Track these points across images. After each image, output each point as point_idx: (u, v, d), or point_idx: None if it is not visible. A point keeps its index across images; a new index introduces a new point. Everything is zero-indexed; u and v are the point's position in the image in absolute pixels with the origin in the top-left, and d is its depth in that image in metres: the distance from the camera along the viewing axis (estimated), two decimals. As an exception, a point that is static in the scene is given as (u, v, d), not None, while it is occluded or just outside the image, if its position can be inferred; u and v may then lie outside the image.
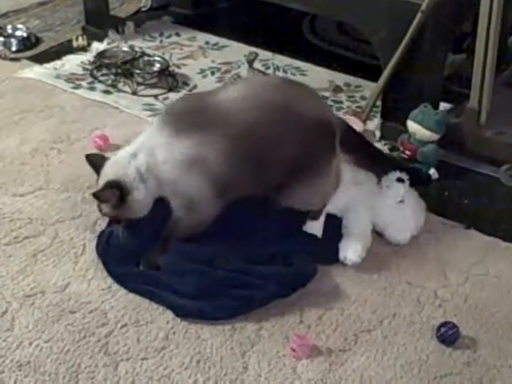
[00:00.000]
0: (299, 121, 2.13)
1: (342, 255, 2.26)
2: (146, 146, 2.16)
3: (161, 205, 2.23)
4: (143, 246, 2.23)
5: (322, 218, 2.33)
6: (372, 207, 2.35)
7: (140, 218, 2.25)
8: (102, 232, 2.33)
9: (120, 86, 3.21)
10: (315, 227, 2.32)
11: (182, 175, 2.13)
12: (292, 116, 2.13)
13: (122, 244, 2.23)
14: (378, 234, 2.37)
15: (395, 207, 2.36)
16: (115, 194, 2.16)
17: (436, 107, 2.74)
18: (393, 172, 2.43)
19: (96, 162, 2.28)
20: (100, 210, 2.28)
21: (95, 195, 2.19)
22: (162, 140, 2.13)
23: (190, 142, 2.10)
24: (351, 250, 2.25)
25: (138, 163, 2.17)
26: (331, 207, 2.35)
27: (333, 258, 2.27)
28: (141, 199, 2.19)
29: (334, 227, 2.34)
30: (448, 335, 2.01)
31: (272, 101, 2.14)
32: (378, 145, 2.80)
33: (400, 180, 2.40)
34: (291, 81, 2.29)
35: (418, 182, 2.50)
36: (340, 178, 2.30)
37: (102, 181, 2.21)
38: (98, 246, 2.28)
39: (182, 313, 2.08)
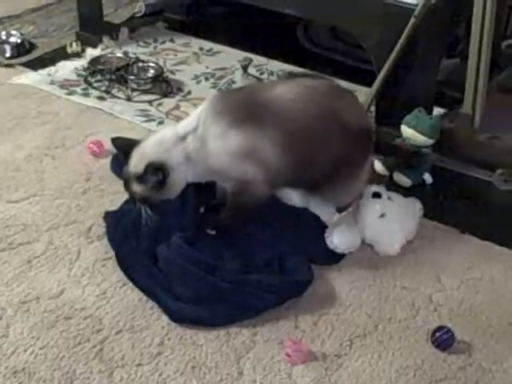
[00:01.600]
0: (344, 127, 2.22)
1: (328, 239, 2.28)
2: (198, 132, 2.16)
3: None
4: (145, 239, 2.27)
5: (348, 213, 2.39)
6: (357, 223, 2.36)
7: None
8: (110, 213, 2.38)
9: (114, 91, 3.21)
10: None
11: (234, 164, 2.16)
12: (339, 121, 2.22)
13: (149, 224, 2.24)
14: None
15: (377, 223, 2.34)
16: (159, 177, 2.15)
17: (430, 112, 2.75)
18: (368, 188, 2.43)
19: (121, 144, 2.28)
20: (128, 190, 2.23)
21: (139, 178, 2.17)
22: (217, 130, 2.14)
23: (244, 135, 2.13)
24: (336, 233, 2.27)
25: (187, 146, 2.16)
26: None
27: (328, 258, 2.28)
28: (179, 181, 2.20)
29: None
30: (443, 339, 2.01)
31: (323, 105, 2.22)
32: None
33: (376, 195, 2.40)
34: (339, 87, 2.35)
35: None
36: (368, 178, 2.40)
37: (142, 161, 2.17)
38: (108, 228, 2.34)
39: (178, 318, 2.08)
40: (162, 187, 2.17)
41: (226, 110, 2.16)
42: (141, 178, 2.17)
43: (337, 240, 2.27)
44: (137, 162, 2.19)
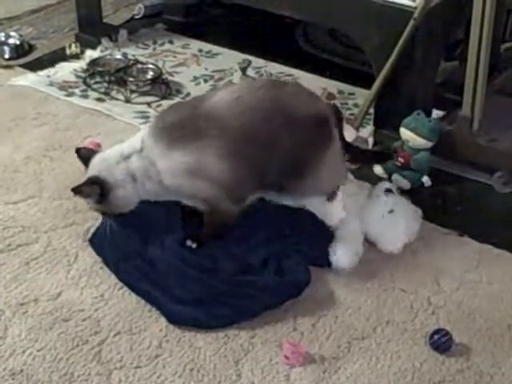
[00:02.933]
0: (290, 117, 2.18)
1: (332, 257, 2.27)
2: (144, 153, 2.17)
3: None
4: (134, 238, 2.27)
5: (340, 198, 2.37)
6: (363, 218, 2.36)
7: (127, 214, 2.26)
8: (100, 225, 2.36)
9: (113, 93, 3.21)
10: (335, 208, 2.36)
11: (186, 182, 2.16)
12: (282, 113, 2.17)
13: (114, 236, 2.26)
14: (370, 243, 2.37)
15: (385, 217, 2.36)
16: (95, 190, 2.18)
17: (428, 114, 2.74)
18: (381, 183, 2.48)
19: (85, 156, 2.30)
20: (88, 204, 2.30)
21: (75, 190, 2.21)
22: (158, 151, 2.14)
23: (186, 152, 2.12)
24: (341, 254, 2.26)
25: (131, 165, 2.18)
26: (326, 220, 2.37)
27: (326, 259, 2.28)
28: (125, 197, 2.21)
29: (329, 229, 2.36)
30: (441, 342, 2.01)
31: (261, 101, 2.18)
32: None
33: (388, 190, 2.43)
34: (276, 80, 2.34)
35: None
36: (344, 159, 2.38)
37: (87, 175, 2.23)
38: (93, 238, 2.33)
39: (176, 320, 2.08)
40: (105, 202, 2.21)
41: (165, 128, 2.16)
42: (80, 190, 2.21)
43: (342, 261, 2.25)
44: (86, 176, 2.24)
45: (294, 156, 2.18)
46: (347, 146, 2.43)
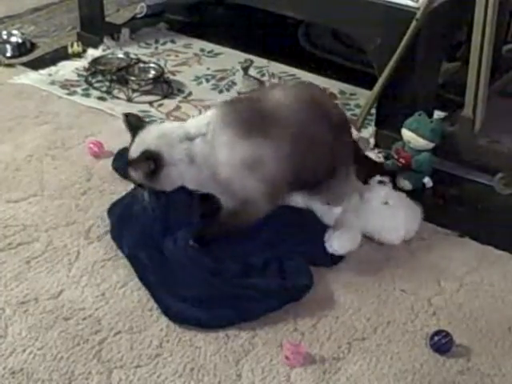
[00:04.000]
0: (332, 122, 2.27)
1: (327, 243, 2.28)
2: (208, 138, 2.16)
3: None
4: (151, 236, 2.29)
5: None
6: (359, 214, 2.36)
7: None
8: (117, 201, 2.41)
9: (115, 92, 3.21)
10: (335, 212, 2.38)
11: (240, 177, 2.17)
12: (331, 119, 2.27)
13: (137, 219, 2.28)
14: (370, 239, 2.37)
15: (382, 209, 2.37)
16: (150, 165, 2.16)
17: (430, 115, 2.75)
18: (374, 177, 2.50)
19: (133, 123, 2.27)
20: (129, 175, 2.27)
21: (130, 163, 2.19)
22: (225, 139, 2.15)
23: (251, 146, 2.15)
24: (335, 237, 2.28)
25: (193, 148, 2.17)
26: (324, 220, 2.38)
27: (326, 259, 2.28)
28: (174, 177, 2.20)
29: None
30: (442, 344, 2.01)
31: (315, 106, 2.25)
32: (372, 153, 2.80)
33: (381, 182, 2.45)
34: (311, 84, 2.38)
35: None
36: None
37: (140, 147, 2.19)
38: (111, 214, 2.38)
39: (178, 318, 2.08)
40: (154, 177, 2.18)
41: (234, 120, 2.17)
42: (133, 164, 2.19)
43: (336, 244, 2.27)
44: (135, 148, 2.21)
45: (333, 160, 2.26)
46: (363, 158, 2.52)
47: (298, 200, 2.39)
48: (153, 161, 2.15)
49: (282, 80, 3.32)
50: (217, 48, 3.63)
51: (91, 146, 2.77)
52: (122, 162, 2.56)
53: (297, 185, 2.27)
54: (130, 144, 2.24)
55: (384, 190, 2.43)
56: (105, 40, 3.56)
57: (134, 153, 2.20)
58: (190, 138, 2.18)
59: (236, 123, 2.16)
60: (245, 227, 2.27)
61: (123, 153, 2.62)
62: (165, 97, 3.20)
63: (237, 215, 2.25)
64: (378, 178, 2.49)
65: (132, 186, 2.40)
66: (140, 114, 3.01)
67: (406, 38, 2.61)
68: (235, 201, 2.21)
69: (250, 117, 2.18)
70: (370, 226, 2.36)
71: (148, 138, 2.20)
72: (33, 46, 3.60)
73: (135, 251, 2.25)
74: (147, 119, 2.98)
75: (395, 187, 2.56)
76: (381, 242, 2.36)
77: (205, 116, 2.24)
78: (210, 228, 2.31)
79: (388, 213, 2.36)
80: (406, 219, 2.38)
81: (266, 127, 2.16)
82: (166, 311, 2.10)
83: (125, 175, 2.53)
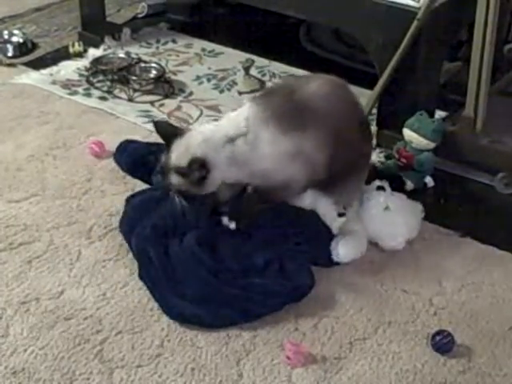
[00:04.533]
0: (361, 117, 2.37)
1: (333, 252, 2.28)
2: (249, 137, 2.16)
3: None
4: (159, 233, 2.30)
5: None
6: (361, 220, 2.37)
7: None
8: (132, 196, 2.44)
9: (116, 92, 3.21)
10: (340, 222, 2.38)
11: (283, 167, 2.20)
12: (358, 113, 2.35)
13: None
14: (372, 243, 2.37)
15: (382, 215, 2.36)
16: (202, 173, 2.15)
17: (431, 115, 2.75)
18: (372, 182, 2.47)
19: (164, 130, 2.25)
20: (169, 184, 2.22)
21: (180, 172, 2.16)
22: (269, 136, 2.15)
23: (292, 140, 2.17)
24: (341, 247, 2.27)
25: (236, 149, 2.16)
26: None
27: (327, 259, 2.29)
28: (217, 180, 2.20)
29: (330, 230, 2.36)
30: (443, 343, 2.01)
31: (346, 100, 2.32)
32: (374, 153, 2.80)
33: (380, 188, 2.43)
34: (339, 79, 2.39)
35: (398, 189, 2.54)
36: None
37: (187, 155, 2.15)
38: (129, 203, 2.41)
39: (179, 317, 2.08)
40: (202, 183, 2.18)
41: (274, 116, 2.17)
42: (182, 172, 2.16)
43: (342, 254, 2.26)
44: (180, 155, 2.17)
45: (357, 153, 2.31)
46: None
47: (306, 202, 2.39)
48: (204, 168, 2.14)
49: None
50: (218, 48, 3.63)
51: (92, 145, 2.77)
52: (124, 157, 2.63)
53: (326, 175, 2.26)
54: (167, 151, 2.20)
55: (382, 195, 2.40)
56: (106, 40, 3.56)
57: (179, 161, 2.16)
58: (231, 139, 2.17)
59: (275, 119, 2.17)
60: (278, 202, 2.31)
61: (126, 146, 2.70)
62: (166, 96, 3.20)
63: (275, 193, 2.28)
64: (376, 183, 2.46)
65: (144, 185, 2.44)
66: (141, 114, 3.04)
67: (407, 37, 2.61)
68: (276, 182, 2.23)
69: (287, 111, 2.19)
70: (371, 233, 2.36)
71: (193, 145, 2.17)
72: (34, 46, 3.60)
73: (144, 245, 2.25)
74: (148, 119, 2.99)
75: (394, 188, 2.55)
76: (382, 248, 2.36)
77: (241, 113, 2.22)
78: (247, 205, 2.32)
79: (388, 219, 2.35)
80: (407, 224, 2.37)
81: (304, 120, 2.19)
82: (167, 310, 2.10)
83: (128, 170, 2.55)
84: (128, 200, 2.45)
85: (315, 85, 2.27)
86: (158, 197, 2.38)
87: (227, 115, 2.29)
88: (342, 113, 2.26)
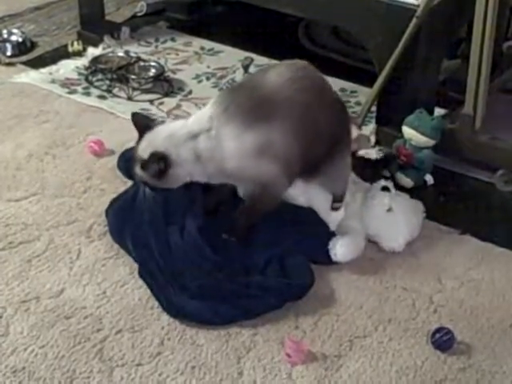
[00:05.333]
0: (330, 102, 2.27)
1: (331, 252, 2.27)
2: (212, 133, 2.16)
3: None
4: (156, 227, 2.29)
5: (342, 211, 2.39)
6: (363, 219, 2.37)
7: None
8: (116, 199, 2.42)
9: (115, 91, 3.21)
10: (337, 217, 2.37)
11: (252, 164, 2.16)
12: (327, 94, 2.28)
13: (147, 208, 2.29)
14: (373, 242, 2.37)
15: (384, 216, 2.36)
16: (160, 166, 2.16)
17: (431, 113, 2.75)
18: (378, 182, 2.48)
19: (140, 123, 2.28)
20: (135, 174, 2.27)
21: (139, 163, 2.20)
22: (230, 133, 2.14)
23: (258, 134, 2.13)
24: (339, 247, 2.26)
25: (198, 145, 2.16)
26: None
27: (326, 256, 2.28)
28: (181, 176, 2.21)
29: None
30: (443, 341, 2.01)
31: (314, 84, 2.25)
32: (373, 150, 2.80)
33: (385, 189, 2.42)
34: (304, 63, 2.36)
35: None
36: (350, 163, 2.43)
37: (149, 148, 2.19)
38: (109, 213, 2.39)
39: (179, 313, 2.08)
40: (162, 177, 2.19)
41: (236, 112, 2.15)
42: (143, 164, 2.19)
43: (340, 254, 2.26)
44: (144, 148, 2.20)
45: (330, 140, 2.25)
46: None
47: (300, 199, 2.39)
48: (162, 161, 2.15)
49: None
50: (217, 46, 3.63)
51: (92, 144, 2.77)
52: (126, 162, 2.58)
53: (304, 162, 2.25)
54: (137, 143, 2.24)
55: (387, 197, 2.40)
56: (105, 38, 3.56)
57: (143, 153, 2.20)
58: (194, 136, 2.17)
59: (238, 114, 2.15)
60: (272, 208, 2.27)
61: (128, 152, 2.64)
62: (165, 95, 3.20)
63: (260, 198, 2.25)
64: (381, 183, 2.47)
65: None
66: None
67: (406, 35, 2.61)
68: (254, 185, 2.22)
69: (251, 105, 2.17)
70: (372, 233, 2.35)
71: (156, 140, 2.20)
72: (33, 45, 3.60)
73: (140, 242, 2.26)
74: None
75: (395, 185, 2.55)
76: (382, 249, 2.36)
77: (205, 111, 2.23)
78: (241, 219, 2.30)
79: (390, 221, 2.35)
80: (408, 226, 2.37)
81: (268, 113, 2.15)
82: (167, 307, 2.10)
83: (129, 176, 2.54)
84: (107, 211, 2.43)
85: (275, 74, 2.22)
86: (133, 194, 2.41)
87: (196, 112, 2.30)
88: (307, 98, 2.20)
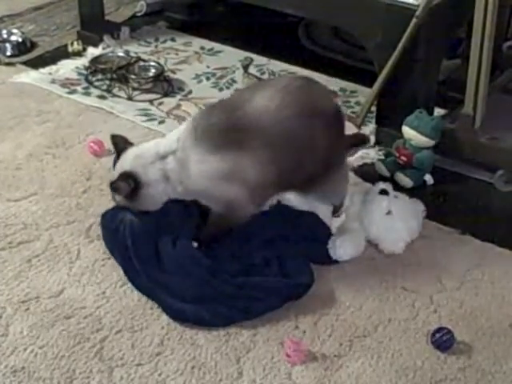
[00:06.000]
0: (323, 118, 2.17)
1: (331, 250, 2.27)
2: (178, 155, 2.15)
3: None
4: (145, 238, 2.26)
5: (343, 217, 2.38)
6: (362, 222, 2.36)
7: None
8: (105, 215, 2.37)
9: (115, 91, 3.21)
10: (338, 222, 2.37)
11: (215, 187, 2.16)
12: (318, 115, 2.16)
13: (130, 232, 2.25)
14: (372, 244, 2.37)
15: (383, 220, 2.34)
16: (130, 185, 2.18)
17: (431, 113, 2.75)
18: (376, 184, 2.46)
19: (119, 144, 2.30)
20: (113, 198, 2.30)
21: (111, 185, 2.22)
22: (198, 156, 2.12)
23: (223, 159, 2.11)
24: (339, 244, 2.26)
25: (166, 166, 2.17)
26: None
27: (326, 256, 2.28)
28: (154, 195, 2.22)
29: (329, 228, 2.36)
30: (443, 341, 2.01)
31: (301, 105, 2.15)
32: (373, 150, 2.81)
33: (383, 192, 2.40)
34: (306, 78, 2.32)
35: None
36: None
37: (120, 169, 2.23)
38: (104, 233, 2.34)
39: (179, 317, 2.08)
40: (135, 198, 2.21)
41: (205, 134, 2.13)
42: (113, 185, 2.21)
43: (340, 251, 2.26)
44: (117, 169, 2.25)
45: (325, 157, 2.18)
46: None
47: (304, 207, 2.38)
48: (131, 181, 2.17)
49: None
50: (217, 46, 3.63)
51: (91, 144, 2.77)
52: None
53: (285, 184, 2.22)
54: (114, 165, 2.29)
55: (385, 200, 2.37)
56: (105, 38, 3.56)
57: (115, 174, 2.24)
58: (162, 157, 2.18)
59: (207, 138, 2.12)
60: (235, 227, 2.26)
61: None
62: (165, 95, 3.20)
63: (224, 217, 2.23)
64: (380, 186, 2.43)
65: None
66: (140, 113, 3.04)
67: (406, 35, 2.61)
68: (219, 205, 2.20)
69: (223, 130, 2.12)
70: (373, 236, 2.35)
71: (125, 161, 2.23)
72: (33, 45, 3.60)
73: (128, 256, 2.23)
74: (147, 118, 3.00)
75: (395, 185, 2.55)
76: (382, 251, 2.35)
77: (177, 131, 2.23)
78: (205, 230, 2.29)
79: (390, 225, 2.34)
80: (408, 229, 2.36)
81: (242, 139, 2.10)
82: (167, 310, 2.10)
83: None
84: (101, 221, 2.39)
85: (261, 98, 2.14)
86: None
87: (170, 133, 2.29)
88: (292, 125, 2.11)
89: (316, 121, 2.15)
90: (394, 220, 2.35)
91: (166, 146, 2.20)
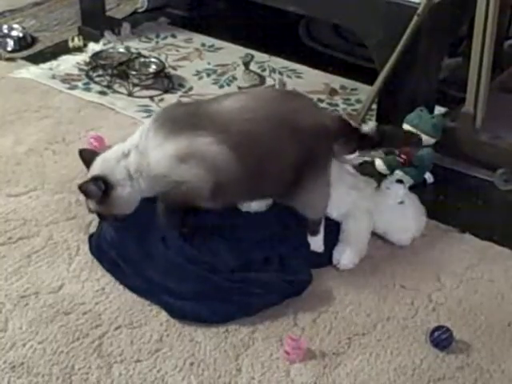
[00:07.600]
0: (295, 130, 2.13)
1: (335, 259, 2.27)
2: (140, 147, 2.16)
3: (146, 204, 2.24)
4: (132, 241, 2.25)
5: (322, 234, 2.31)
6: (373, 210, 2.35)
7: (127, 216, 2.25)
8: (93, 233, 2.35)
9: (116, 87, 3.21)
10: (316, 243, 2.30)
11: (175, 167, 2.12)
12: (290, 126, 2.13)
13: (111, 241, 2.25)
14: (378, 236, 2.37)
15: (396, 208, 2.36)
16: (99, 187, 2.16)
17: (431, 111, 2.75)
18: (393, 174, 2.50)
19: (87, 157, 2.29)
20: (88, 207, 2.27)
21: (80, 187, 2.19)
22: (156, 142, 2.13)
23: (183, 138, 2.10)
24: (345, 255, 2.26)
25: (128, 162, 2.17)
26: (333, 212, 2.34)
27: (327, 262, 2.28)
28: (125, 196, 2.19)
29: (331, 232, 2.32)
30: (441, 339, 2.01)
31: (272, 112, 2.14)
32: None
33: (399, 181, 2.42)
34: (288, 91, 2.31)
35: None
36: (330, 189, 2.27)
37: (90, 176, 2.22)
38: (90, 246, 2.31)
39: (178, 314, 2.08)
40: (107, 201, 2.19)
41: (165, 121, 2.14)
42: (84, 189, 2.19)
43: (344, 263, 2.25)
44: (88, 177, 2.23)
45: (299, 166, 2.14)
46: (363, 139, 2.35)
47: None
48: (101, 182, 2.16)
49: (281, 75, 3.31)
50: (218, 43, 3.63)
51: (92, 140, 2.76)
52: None
53: (254, 190, 2.20)
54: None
55: (402, 189, 2.38)
56: (106, 34, 3.56)
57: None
58: (126, 155, 2.18)
59: (165, 126, 2.13)
60: (190, 206, 2.22)
61: None
62: (165, 91, 3.20)
63: (181, 196, 2.17)
64: (397, 176, 2.45)
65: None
66: (140, 109, 3.04)
67: (407, 33, 2.61)
68: (177, 189, 2.15)
69: (183, 117, 2.14)
70: (383, 224, 2.35)
71: (93, 167, 2.22)
72: (34, 40, 3.60)
73: (116, 261, 2.23)
74: (148, 114, 2.99)
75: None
76: (391, 242, 2.36)
77: (140, 128, 2.22)
78: (160, 215, 2.26)
79: (401, 213, 2.35)
80: (416, 221, 2.37)
81: (198, 123, 2.11)
82: (166, 307, 2.10)
83: None
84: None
85: (232, 99, 2.17)
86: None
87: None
88: (260, 125, 2.11)
89: (284, 131, 2.12)
90: (405, 210, 2.36)
91: (130, 143, 2.20)
